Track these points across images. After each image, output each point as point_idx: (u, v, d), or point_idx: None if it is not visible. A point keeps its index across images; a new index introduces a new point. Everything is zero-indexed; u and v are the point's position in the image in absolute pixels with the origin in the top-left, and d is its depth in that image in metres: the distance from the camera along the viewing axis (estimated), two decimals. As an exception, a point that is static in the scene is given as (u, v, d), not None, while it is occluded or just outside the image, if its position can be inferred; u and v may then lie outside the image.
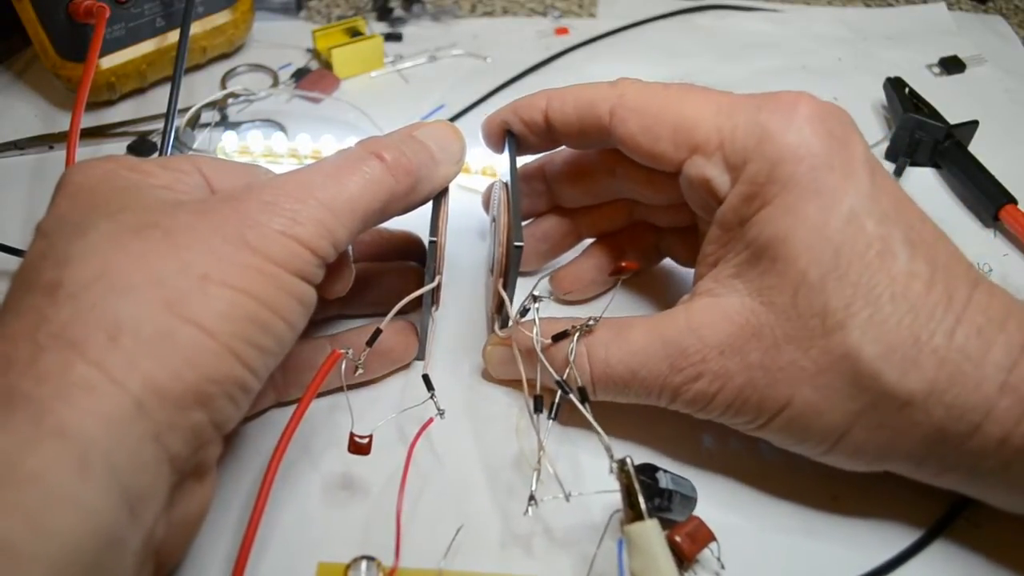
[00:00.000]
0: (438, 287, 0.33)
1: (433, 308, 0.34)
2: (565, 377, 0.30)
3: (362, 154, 0.29)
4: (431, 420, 0.30)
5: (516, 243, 0.30)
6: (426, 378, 0.31)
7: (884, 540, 0.30)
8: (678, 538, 0.28)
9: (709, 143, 0.30)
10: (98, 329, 0.22)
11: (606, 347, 0.30)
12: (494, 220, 0.36)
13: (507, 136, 0.35)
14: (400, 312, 0.30)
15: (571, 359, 0.30)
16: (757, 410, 0.28)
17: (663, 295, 0.39)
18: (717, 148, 0.29)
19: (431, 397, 0.31)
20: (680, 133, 0.30)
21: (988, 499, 0.28)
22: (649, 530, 0.25)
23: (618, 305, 0.38)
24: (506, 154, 0.35)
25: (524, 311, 0.31)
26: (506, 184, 0.34)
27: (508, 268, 0.31)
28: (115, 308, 0.22)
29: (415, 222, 0.34)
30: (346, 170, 0.28)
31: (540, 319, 0.31)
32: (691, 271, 0.37)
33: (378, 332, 0.30)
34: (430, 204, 0.32)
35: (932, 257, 0.27)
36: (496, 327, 0.34)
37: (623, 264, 0.30)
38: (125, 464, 0.21)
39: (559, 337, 0.31)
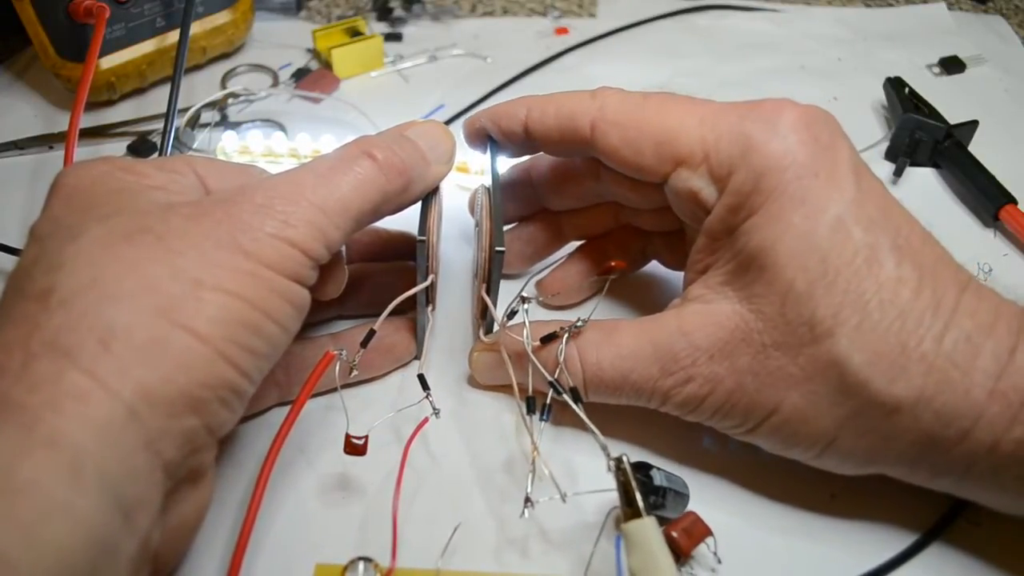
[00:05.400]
0: (432, 286, 0.33)
1: (429, 308, 0.34)
2: (556, 378, 0.30)
3: (354, 153, 0.29)
4: (426, 420, 0.30)
5: (498, 248, 0.30)
6: (421, 378, 0.31)
7: (883, 540, 0.30)
8: (675, 534, 0.28)
9: (694, 156, 0.29)
10: (90, 336, 0.22)
11: (597, 349, 0.30)
12: (478, 225, 0.36)
13: (488, 140, 0.35)
14: (400, 312, 0.30)
15: (560, 360, 0.30)
16: (745, 414, 0.29)
17: (648, 299, 0.39)
18: (702, 160, 0.29)
19: (427, 397, 0.31)
20: (664, 146, 0.30)
21: (982, 501, 0.28)
22: (647, 527, 0.25)
23: (604, 308, 0.38)
24: (488, 158, 0.35)
25: (512, 313, 0.31)
26: (488, 189, 0.34)
27: (491, 273, 0.31)
28: (107, 315, 0.22)
29: (412, 222, 0.34)
30: (338, 170, 0.28)
31: (529, 321, 0.31)
32: (676, 274, 0.38)
33: (372, 333, 0.30)
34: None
35: (919, 262, 0.27)
36: (481, 333, 0.34)
37: (611, 263, 0.30)
38: (118, 471, 0.21)
39: (548, 339, 0.31)
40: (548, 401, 0.30)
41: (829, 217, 0.27)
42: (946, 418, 0.25)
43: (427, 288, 0.32)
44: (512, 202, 0.38)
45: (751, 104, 0.30)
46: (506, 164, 0.37)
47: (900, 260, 0.27)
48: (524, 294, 0.31)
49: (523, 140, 0.33)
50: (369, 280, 0.37)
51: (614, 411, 0.32)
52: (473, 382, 0.35)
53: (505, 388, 0.34)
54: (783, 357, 0.27)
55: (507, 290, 0.32)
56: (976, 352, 0.25)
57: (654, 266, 0.39)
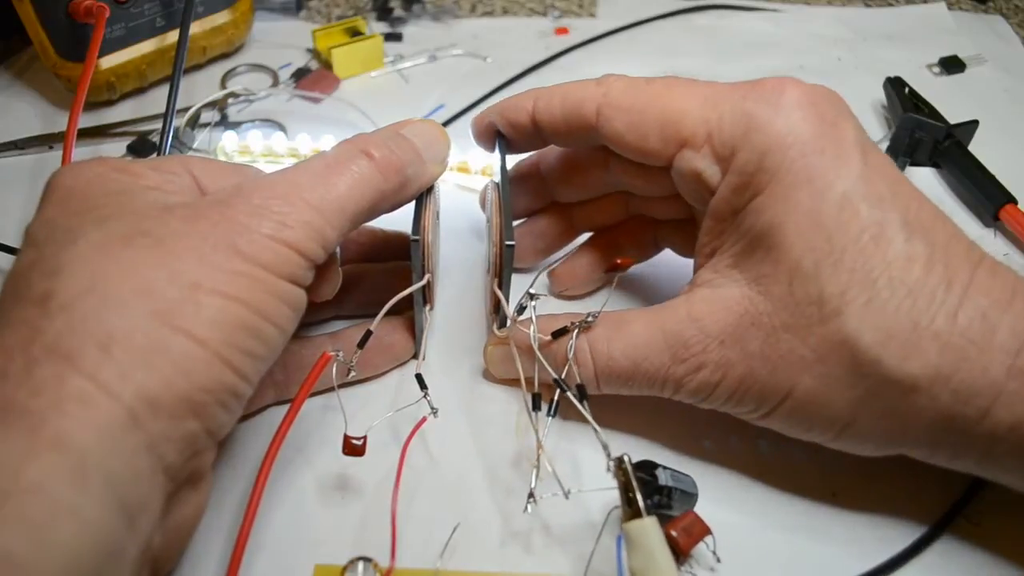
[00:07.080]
0: (428, 286, 0.33)
1: (426, 307, 0.34)
2: (564, 374, 0.30)
3: (351, 152, 0.29)
4: (424, 419, 0.30)
5: (508, 242, 0.30)
6: (419, 377, 0.31)
7: (884, 539, 0.30)
8: (674, 532, 0.28)
9: (697, 136, 0.29)
10: (90, 341, 0.22)
11: (608, 341, 0.30)
12: (489, 220, 0.36)
13: (497, 137, 0.35)
14: (398, 311, 0.30)
15: (570, 355, 0.30)
16: (759, 399, 0.28)
17: (660, 288, 0.39)
18: (705, 141, 0.29)
19: (425, 396, 0.31)
20: (667, 128, 0.30)
21: (1005, 482, 0.28)
22: (648, 528, 0.25)
23: (616, 299, 0.38)
24: (497, 154, 0.35)
25: (521, 309, 0.31)
26: (498, 184, 0.34)
27: (502, 267, 0.31)
28: (106, 319, 0.22)
29: (409, 222, 0.34)
30: (335, 169, 0.28)
31: (539, 316, 0.31)
32: (688, 262, 0.37)
33: (368, 333, 0.30)
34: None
35: (931, 238, 0.26)
36: (495, 327, 0.34)
37: (618, 261, 0.30)
38: (121, 474, 0.21)
39: (559, 334, 0.31)
40: (555, 397, 0.30)
41: (835, 194, 0.27)
42: (964, 396, 0.25)
43: (423, 288, 0.32)
44: (522, 196, 0.38)
45: (753, 83, 0.29)
46: (514, 159, 0.37)
47: (910, 236, 0.26)
48: (532, 291, 0.31)
49: (531, 132, 0.33)
50: (366, 280, 0.37)
51: (623, 406, 0.32)
52: (488, 375, 0.35)
53: (512, 384, 0.34)
54: (793, 339, 0.27)
55: (520, 284, 0.32)
56: (993, 329, 0.25)
57: (666, 255, 0.38)
